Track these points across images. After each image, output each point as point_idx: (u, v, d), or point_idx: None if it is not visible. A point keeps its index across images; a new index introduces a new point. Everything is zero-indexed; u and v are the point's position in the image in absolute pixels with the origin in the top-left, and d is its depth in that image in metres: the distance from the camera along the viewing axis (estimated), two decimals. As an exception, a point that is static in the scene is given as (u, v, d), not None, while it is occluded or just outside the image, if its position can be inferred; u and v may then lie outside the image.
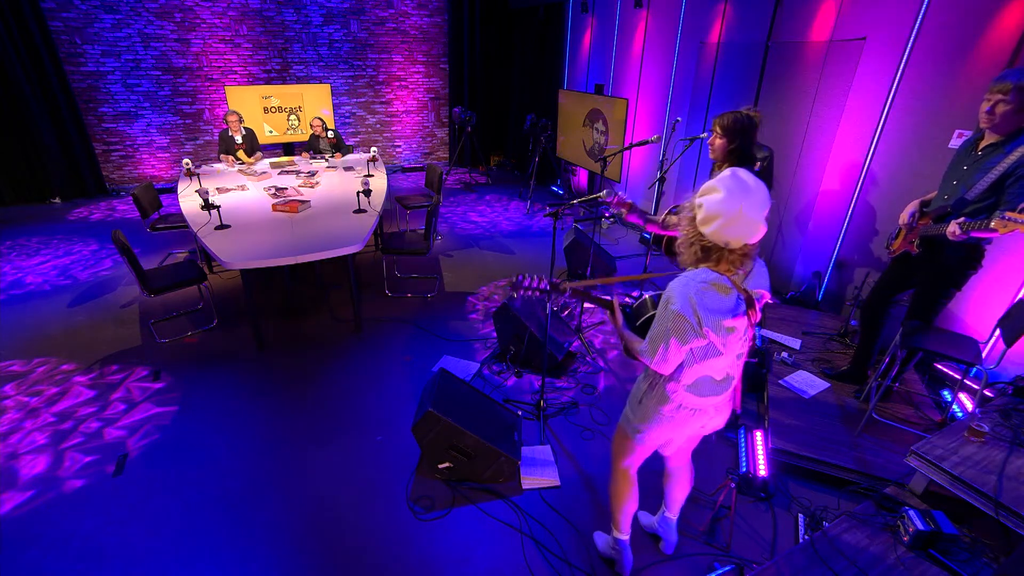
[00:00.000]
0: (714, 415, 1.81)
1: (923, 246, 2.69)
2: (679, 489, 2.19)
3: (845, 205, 4.10)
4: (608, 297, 1.87)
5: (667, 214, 2.76)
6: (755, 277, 1.60)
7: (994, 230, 2.17)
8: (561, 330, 3.85)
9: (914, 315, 2.83)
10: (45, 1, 6.66)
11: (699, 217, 1.50)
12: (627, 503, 2.06)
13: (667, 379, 1.70)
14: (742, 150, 2.49)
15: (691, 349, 1.59)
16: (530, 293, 1.89)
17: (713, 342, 1.57)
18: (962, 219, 2.32)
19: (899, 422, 2.90)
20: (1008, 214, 2.12)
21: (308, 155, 6.48)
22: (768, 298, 1.64)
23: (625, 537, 2.15)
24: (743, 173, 1.48)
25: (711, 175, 2.59)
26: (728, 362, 1.67)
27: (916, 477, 2.37)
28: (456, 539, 2.39)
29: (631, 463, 1.99)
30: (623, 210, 2.45)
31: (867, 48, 3.77)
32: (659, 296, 1.92)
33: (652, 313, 1.80)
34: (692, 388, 1.69)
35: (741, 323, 1.57)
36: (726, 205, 1.43)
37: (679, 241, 1.61)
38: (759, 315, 1.58)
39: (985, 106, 2.34)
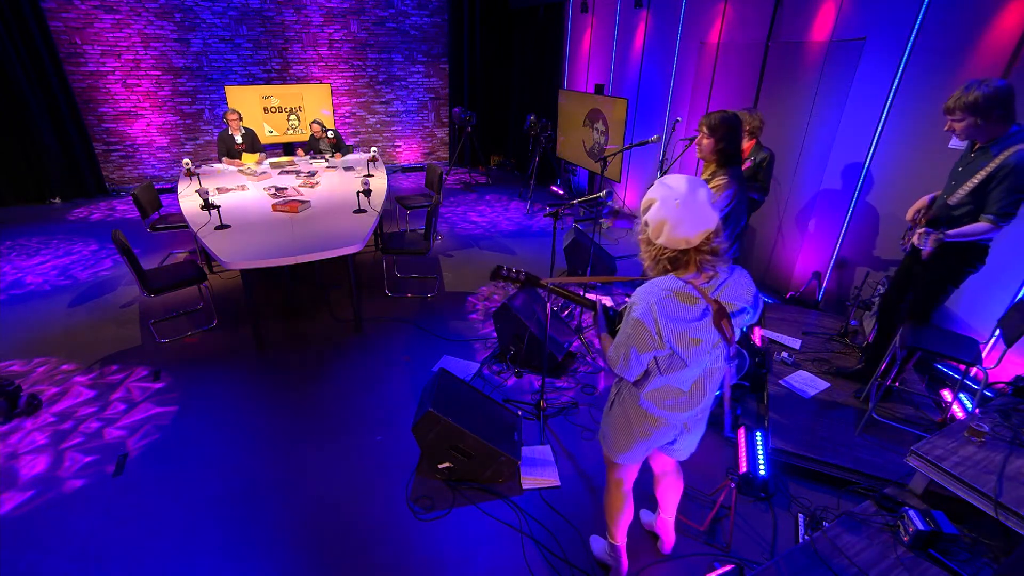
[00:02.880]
0: (685, 433, 1.77)
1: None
2: (670, 492, 2.18)
3: (845, 205, 4.10)
4: (593, 298, 1.86)
5: None
6: (732, 288, 1.54)
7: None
8: (561, 330, 3.85)
9: (911, 311, 2.85)
10: (45, 1, 6.66)
11: (650, 231, 1.51)
12: (621, 514, 2.06)
13: (633, 386, 1.71)
14: (729, 148, 2.56)
15: (655, 359, 1.57)
16: (508, 283, 1.91)
17: (678, 353, 1.53)
18: (923, 231, 2.43)
19: (899, 422, 2.90)
20: (933, 236, 2.32)
21: (307, 155, 6.48)
22: (758, 333, 1.66)
23: (620, 544, 2.15)
24: (668, 178, 1.52)
25: (704, 175, 2.65)
26: (696, 375, 1.62)
27: (916, 477, 2.37)
28: (456, 539, 2.39)
29: (622, 477, 1.98)
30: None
31: (867, 48, 3.77)
32: None
33: None
34: (654, 398, 1.68)
35: (708, 335, 1.52)
36: (665, 208, 1.46)
37: (645, 265, 1.61)
38: (733, 331, 1.51)
39: (946, 129, 2.46)
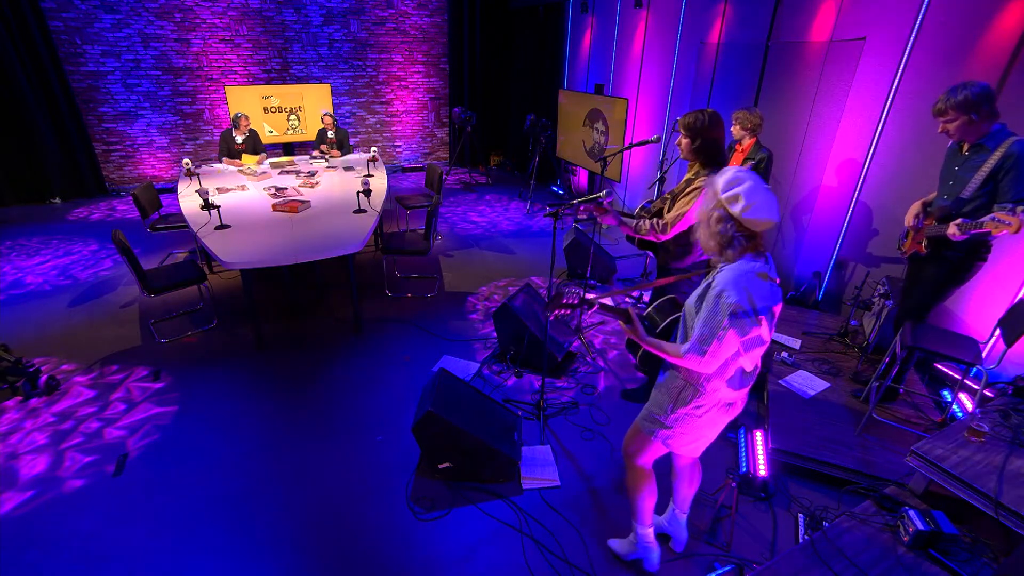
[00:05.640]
0: (739, 407, 1.85)
1: (931, 245, 2.73)
2: (688, 486, 2.20)
3: (845, 205, 4.10)
4: (623, 306, 1.83)
5: (639, 210, 2.80)
6: (771, 268, 1.68)
7: (987, 230, 2.27)
8: (561, 330, 3.86)
9: (912, 306, 2.87)
10: (45, 1, 6.66)
11: (739, 207, 1.55)
12: (647, 495, 2.08)
13: (708, 377, 1.71)
14: (708, 146, 2.51)
15: (742, 341, 1.61)
16: (566, 311, 1.81)
17: (762, 332, 1.61)
18: (960, 220, 2.41)
19: (899, 422, 2.90)
20: (999, 216, 2.21)
21: (325, 148, 6.48)
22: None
23: (649, 529, 2.15)
24: (746, 172, 1.60)
25: (688, 174, 2.60)
26: (764, 351, 1.72)
27: (916, 477, 2.37)
28: (456, 539, 2.39)
29: (647, 460, 2.00)
30: (597, 213, 2.53)
31: (867, 48, 3.77)
32: (662, 305, 1.92)
33: (674, 317, 1.80)
34: (730, 381, 1.72)
35: (779, 308, 1.67)
36: (757, 189, 1.54)
37: (704, 241, 1.66)
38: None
39: (939, 131, 2.54)
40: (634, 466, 2.03)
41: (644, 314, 1.87)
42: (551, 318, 1.91)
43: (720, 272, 1.62)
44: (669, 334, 1.91)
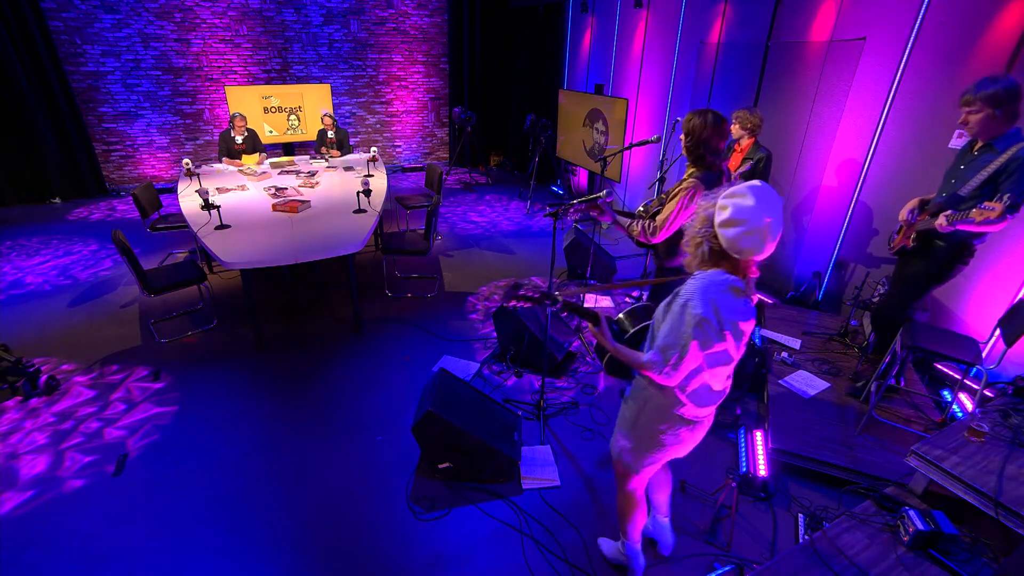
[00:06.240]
0: (706, 426, 1.79)
1: (918, 240, 2.75)
2: (661, 492, 2.21)
3: (845, 205, 4.10)
4: (595, 310, 1.78)
5: (640, 209, 2.77)
6: (751, 285, 1.61)
7: (972, 219, 2.30)
8: (561, 330, 3.85)
9: (894, 302, 2.91)
10: (45, 1, 6.66)
11: (721, 218, 1.45)
12: (636, 517, 2.06)
13: (669, 391, 1.65)
14: (704, 146, 2.42)
15: (705, 355, 1.55)
16: (523, 304, 1.75)
17: (727, 347, 1.54)
18: (948, 212, 2.44)
19: (899, 422, 2.90)
20: (986, 203, 2.24)
21: (324, 150, 6.50)
22: (758, 297, 1.65)
23: (638, 544, 2.15)
24: (772, 189, 1.46)
25: (686, 174, 2.55)
26: (731, 370, 1.66)
27: (916, 477, 2.37)
28: (456, 539, 2.39)
29: (637, 486, 1.98)
30: (594, 213, 2.53)
31: (867, 48, 3.77)
32: (634, 311, 1.90)
33: (643, 325, 1.77)
34: (693, 397, 1.65)
35: (750, 327, 1.57)
36: (755, 214, 1.40)
37: (685, 239, 1.60)
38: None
39: (960, 121, 2.50)
40: (624, 491, 2.00)
41: (616, 318, 1.82)
42: (509, 307, 1.83)
43: (692, 280, 1.54)
44: (638, 340, 1.82)
